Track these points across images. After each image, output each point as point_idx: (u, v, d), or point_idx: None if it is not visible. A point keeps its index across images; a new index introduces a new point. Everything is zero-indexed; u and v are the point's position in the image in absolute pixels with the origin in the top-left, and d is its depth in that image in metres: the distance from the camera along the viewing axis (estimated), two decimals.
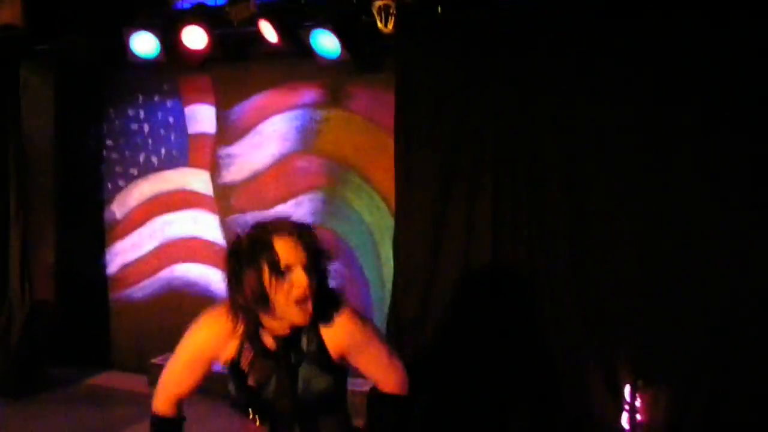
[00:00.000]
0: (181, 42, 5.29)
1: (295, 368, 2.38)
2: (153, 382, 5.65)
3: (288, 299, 2.22)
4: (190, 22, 5.25)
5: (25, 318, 5.69)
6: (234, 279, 2.27)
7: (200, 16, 5.26)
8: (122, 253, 6.37)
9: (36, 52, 5.81)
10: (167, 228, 6.21)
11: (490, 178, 4.57)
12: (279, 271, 2.20)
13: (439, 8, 4.55)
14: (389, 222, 5.15)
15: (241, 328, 2.36)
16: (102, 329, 6.33)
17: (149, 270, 6.27)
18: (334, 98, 5.51)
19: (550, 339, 4.46)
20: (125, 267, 6.37)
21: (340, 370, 2.45)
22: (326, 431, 2.53)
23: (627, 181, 4.27)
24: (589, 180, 4.36)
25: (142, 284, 6.29)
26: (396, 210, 4.96)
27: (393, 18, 4.58)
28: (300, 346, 2.37)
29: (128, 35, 5.33)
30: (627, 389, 4.28)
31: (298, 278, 2.21)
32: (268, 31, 5.07)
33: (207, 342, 2.47)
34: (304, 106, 5.61)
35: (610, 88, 4.28)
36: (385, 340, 2.60)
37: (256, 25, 5.04)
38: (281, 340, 2.35)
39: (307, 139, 5.62)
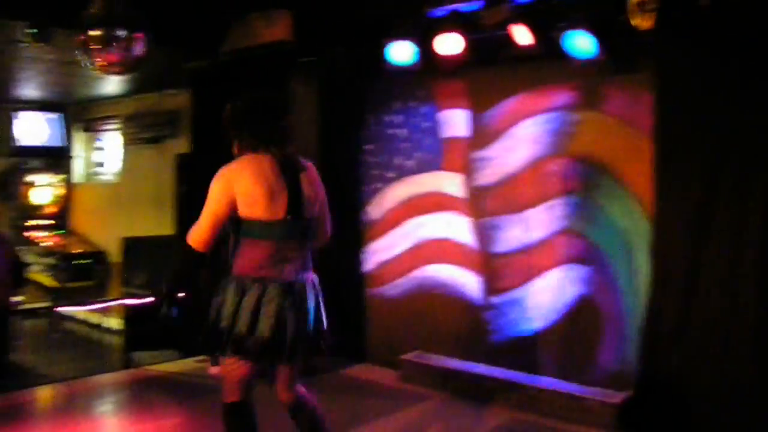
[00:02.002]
0: (436, 49, 5.53)
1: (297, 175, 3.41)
2: (404, 377, 6.01)
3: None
4: (445, 29, 5.47)
5: None
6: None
7: (455, 22, 5.46)
8: (378, 252, 6.77)
9: (303, 64, 6.36)
10: (421, 229, 6.49)
11: (763, 185, 4.26)
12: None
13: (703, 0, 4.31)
14: (645, 228, 4.98)
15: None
16: (358, 324, 6.77)
17: (403, 269, 6.59)
18: (587, 100, 5.43)
19: None
20: (381, 265, 6.76)
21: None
22: (307, 256, 3.49)
23: None
24: None
25: (395, 282, 6.63)
26: (654, 216, 4.79)
27: (651, 14, 4.42)
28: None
29: (386, 45, 5.68)
30: None
31: None
32: (521, 33, 5.13)
33: (237, 172, 3.33)
34: (556, 108, 5.59)
35: None
36: None
37: (508, 28, 5.13)
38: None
39: (560, 142, 5.59)
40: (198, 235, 3.32)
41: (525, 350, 5.74)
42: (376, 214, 6.77)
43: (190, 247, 3.33)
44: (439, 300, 6.30)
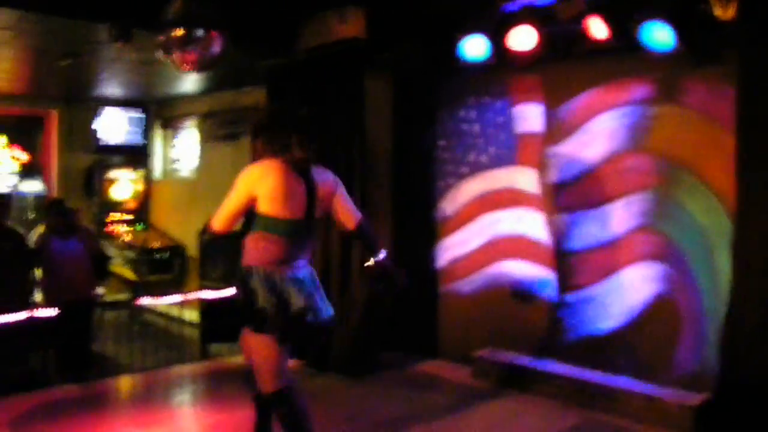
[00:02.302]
0: (509, 43, 5.51)
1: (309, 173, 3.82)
2: (476, 374, 6.01)
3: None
4: (519, 23, 5.44)
5: (364, 306, 6.31)
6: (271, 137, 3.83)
7: (530, 16, 5.42)
8: (451, 248, 6.78)
9: (376, 60, 6.42)
10: (494, 225, 6.47)
11: None
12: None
13: None
14: (726, 225, 4.85)
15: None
16: (431, 320, 6.81)
17: (476, 265, 6.59)
18: (666, 93, 5.32)
19: None
20: (454, 261, 6.77)
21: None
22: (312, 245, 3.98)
23: None
24: None
25: (469, 279, 6.63)
26: (736, 213, 4.66)
27: (733, 3, 4.30)
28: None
29: (459, 40, 5.69)
30: None
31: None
32: (597, 26, 5.06)
33: (256, 175, 3.73)
34: (634, 102, 5.49)
35: None
36: None
37: (584, 21, 5.07)
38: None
39: (638, 137, 5.49)
40: (219, 222, 3.80)
41: (600, 349, 5.68)
42: (450, 210, 6.79)
43: (210, 229, 3.85)
44: (513, 297, 6.27)
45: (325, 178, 3.94)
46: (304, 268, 3.85)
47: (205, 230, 3.91)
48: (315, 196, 3.82)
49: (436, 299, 6.83)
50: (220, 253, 8.98)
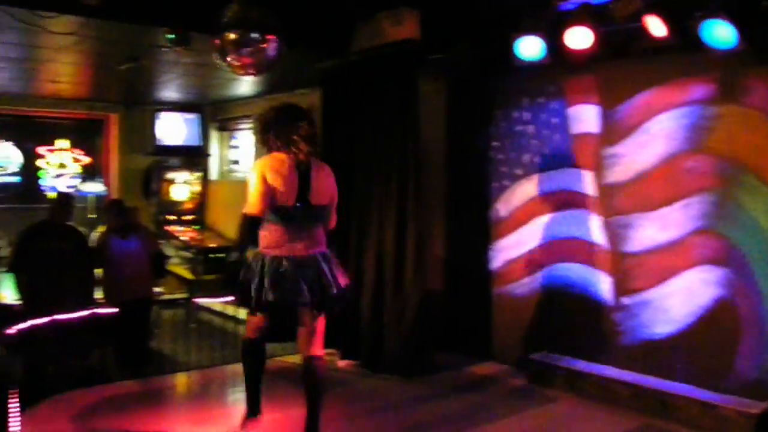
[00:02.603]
0: (565, 43, 5.48)
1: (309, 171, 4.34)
2: (530, 377, 5.99)
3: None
4: (575, 23, 5.41)
5: (418, 306, 6.32)
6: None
7: (585, 15, 5.39)
8: (506, 249, 6.76)
9: (430, 61, 6.45)
10: (550, 227, 6.44)
11: None
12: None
13: None
14: None
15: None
16: (484, 321, 6.80)
17: (530, 268, 6.56)
18: (727, 93, 5.22)
19: None
20: (508, 263, 6.75)
21: None
22: (317, 235, 4.43)
23: None
24: None
25: (523, 281, 6.61)
26: None
27: None
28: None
29: (514, 40, 5.68)
30: None
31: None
32: (654, 25, 5.01)
33: (265, 165, 4.28)
34: (693, 102, 5.40)
35: None
36: None
37: (641, 20, 5.02)
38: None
39: (697, 138, 5.40)
40: (253, 205, 4.24)
41: (657, 354, 5.60)
42: (504, 212, 6.77)
43: (247, 215, 4.26)
44: (567, 300, 6.23)
45: (326, 174, 4.50)
46: (308, 250, 4.37)
47: (244, 220, 4.32)
48: (309, 186, 4.33)
49: (490, 301, 6.82)
50: None
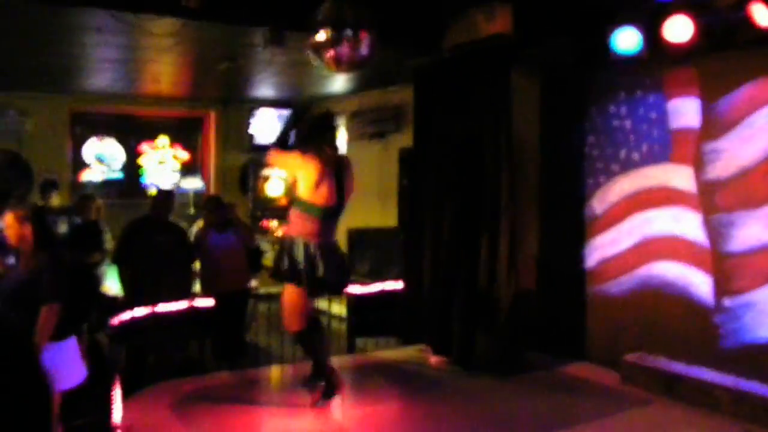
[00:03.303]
0: (664, 35, 5.36)
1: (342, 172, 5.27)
2: (625, 378, 5.89)
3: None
4: (674, 13, 5.29)
5: (511, 304, 6.31)
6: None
7: (685, 5, 5.27)
8: (601, 248, 6.66)
9: (523, 56, 6.41)
10: (647, 225, 6.30)
11: None
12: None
13: None
14: None
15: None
16: (578, 321, 6.71)
17: (627, 266, 6.43)
18: None
19: None
20: (603, 262, 6.64)
21: None
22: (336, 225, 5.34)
23: None
24: None
25: (619, 280, 6.49)
26: None
27: None
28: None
29: (610, 33, 5.59)
30: None
31: None
32: (760, 13, 4.85)
33: (295, 161, 5.19)
34: None
35: None
36: None
37: (745, 9, 4.86)
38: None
39: None
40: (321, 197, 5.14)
41: (760, 358, 5.41)
42: (600, 209, 6.67)
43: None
44: (666, 300, 6.09)
45: (350, 173, 5.39)
46: (331, 239, 5.24)
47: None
48: (343, 185, 5.24)
49: (584, 300, 6.73)
50: (368, 249, 9.23)
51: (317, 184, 5.09)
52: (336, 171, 5.23)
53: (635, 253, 6.37)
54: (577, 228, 6.78)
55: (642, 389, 5.75)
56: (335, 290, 5.77)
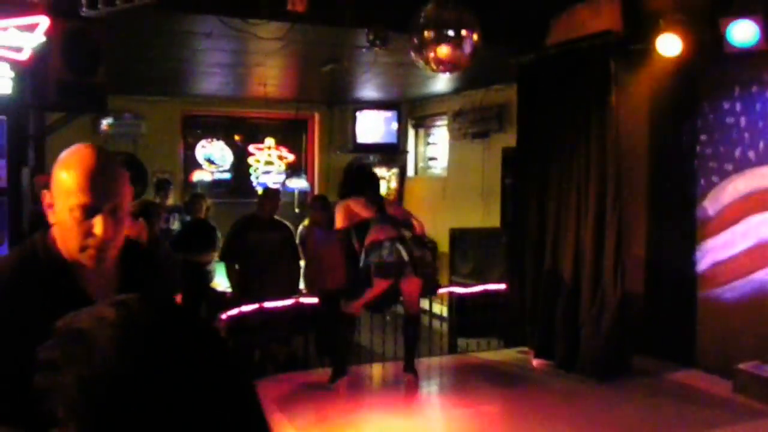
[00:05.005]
0: None
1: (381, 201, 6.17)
2: (738, 388, 5.64)
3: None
4: None
5: (617, 307, 6.15)
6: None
7: None
8: (713, 251, 6.39)
9: (631, 52, 6.24)
10: (764, 227, 6.01)
11: None
12: None
13: None
14: None
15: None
16: (687, 326, 6.45)
17: (741, 270, 6.15)
18: None
19: None
20: (716, 265, 6.38)
21: None
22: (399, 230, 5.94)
23: None
24: None
25: (732, 285, 6.21)
26: None
27: None
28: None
29: (725, 25, 5.36)
30: None
31: None
32: None
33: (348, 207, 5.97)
34: None
35: None
36: None
37: None
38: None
39: None
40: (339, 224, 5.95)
41: None
42: (712, 210, 6.41)
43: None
44: None
45: (394, 206, 6.53)
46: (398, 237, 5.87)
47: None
48: (383, 207, 6.00)
49: (694, 305, 6.48)
50: (470, 249, 9.19)
51: (360, 210, 5.96)
52: (375, 202, 6.06)
53: (751, 257, 6.09)
54: (687, 229, 6.54)
55: (756, 400, 5.48)
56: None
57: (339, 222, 5.94)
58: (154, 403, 0.87)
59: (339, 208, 5.99)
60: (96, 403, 0.86)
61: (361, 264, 5.77)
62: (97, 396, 0.86)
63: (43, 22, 5.06)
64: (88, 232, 1.80)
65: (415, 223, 6.01)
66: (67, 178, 1.80)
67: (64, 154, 1.85)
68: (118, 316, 0.92)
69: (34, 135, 6.33)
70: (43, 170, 6.75)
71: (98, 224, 1.79)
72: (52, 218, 1.86)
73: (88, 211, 1.79)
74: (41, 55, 5.19)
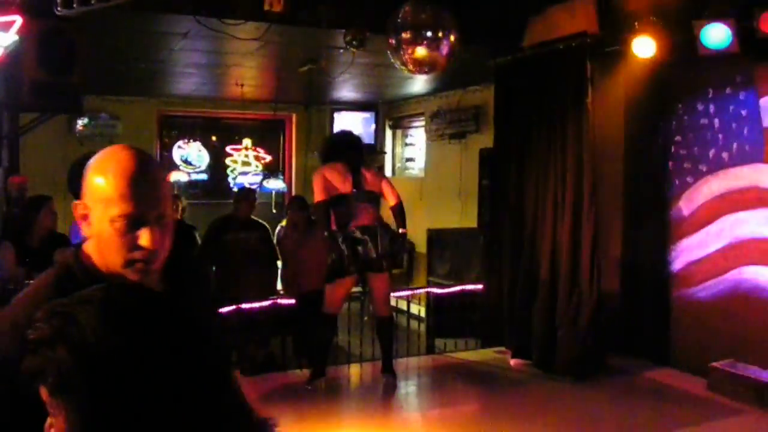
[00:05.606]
0: (757, 29, 5.16)
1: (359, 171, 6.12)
2: (713, 386, 5.70)
3: None
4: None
5: (593, 307, 6.18)
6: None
7: None
8: (688, 250, 6.45)
9: (606, 54, 6.29)
10: (737, 227, 6.07)
11: None
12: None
13: None
14: None
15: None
16: (663, 326, 6.51)
17: (715, 270, 6.22)
18: None
19: None
20: (690, 265, 6.44)
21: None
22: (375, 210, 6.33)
23: None
24: None
25: (706, 284, 6.28)
26: None
27: None
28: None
29: (699, 28, 5.41)
30: None
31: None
32: None
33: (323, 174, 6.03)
34: None
35: None
36: None
37: None
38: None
39: None
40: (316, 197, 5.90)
41: None
42: (687, 211, 6.47)
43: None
44: (756, 305, 5.85)
45: (371, 173, 6.19)
46: (371, 222, 5.97)
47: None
48: (360, 179, 5.93)
49: (669, 304, 6.54)
50: (447, 250, 9.22)
51: (336, 182, 5.97)
52: (352, 171, 6.05)
53: (724, 257, 6.16)
54: (662, 229, 6.60)
55: (730, 398, 5.55)
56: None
57: (317, 194, 5.92)
58: (142, 373, 0.96)
59: (315, 177, 5.98)
60: (90, 374, 0.95)
61: (338, 241, 5.85)
62: (91, 366, 0.95)
63: (17, 21, 5.00)
64: (134, 245, 1.57)
65: (392, 194, 6.12)
66: (104, 185, 1.56)
67: (98, 157, 1.61)
68: (100, 297, 1.03)
69: (7, 135, 6.26)
70: (17, 171, 6.66)
71: (145, 236, 1.57)
72: (86, 231, 1.62)
73: (133, 222, 1.56)
74: (15, 55, 5.12)
